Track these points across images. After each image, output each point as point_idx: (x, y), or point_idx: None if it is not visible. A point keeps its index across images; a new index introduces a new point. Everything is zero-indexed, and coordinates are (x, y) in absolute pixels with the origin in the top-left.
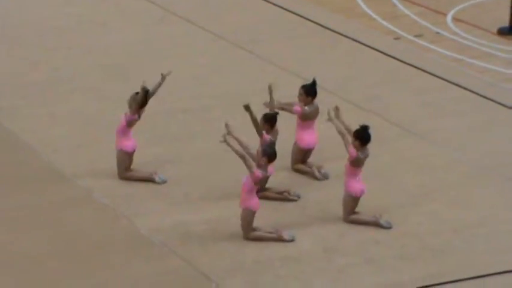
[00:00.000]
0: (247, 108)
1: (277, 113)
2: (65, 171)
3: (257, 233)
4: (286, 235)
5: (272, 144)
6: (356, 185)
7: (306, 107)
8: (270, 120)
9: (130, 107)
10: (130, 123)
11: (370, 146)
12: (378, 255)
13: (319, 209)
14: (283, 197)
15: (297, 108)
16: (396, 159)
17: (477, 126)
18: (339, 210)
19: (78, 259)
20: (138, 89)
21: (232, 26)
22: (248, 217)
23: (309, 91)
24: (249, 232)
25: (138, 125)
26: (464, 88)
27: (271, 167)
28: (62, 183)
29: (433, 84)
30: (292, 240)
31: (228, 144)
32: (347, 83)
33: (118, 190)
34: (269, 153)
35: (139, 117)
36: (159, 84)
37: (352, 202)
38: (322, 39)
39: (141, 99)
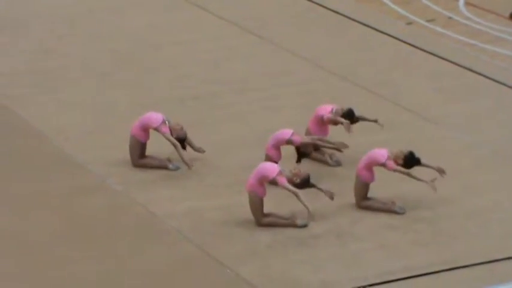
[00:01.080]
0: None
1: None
2: (77, 158)
3: (270, 219)
4: (299, 221)
5: (308, 178)
6: (367, 172)
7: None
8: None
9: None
10: (157, 129)
11: (382, 131)
12: (391, 241)
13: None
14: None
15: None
16: (408, 144)
17: (490, 110)
18: (351, 196)
19: (90, 245)
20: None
21: (242, 12)
22: (256, 202)
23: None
24: (261, 218)
25: (148, 111)
26: (477, 73)
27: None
28: (75, 170)
29: (445, 69)
30: (305, 226)
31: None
32: (358, 68)
33: (131, 177)
34: (303, 184)
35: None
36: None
37: (363, 188)
38: (333, 24)
39: (178, 140)
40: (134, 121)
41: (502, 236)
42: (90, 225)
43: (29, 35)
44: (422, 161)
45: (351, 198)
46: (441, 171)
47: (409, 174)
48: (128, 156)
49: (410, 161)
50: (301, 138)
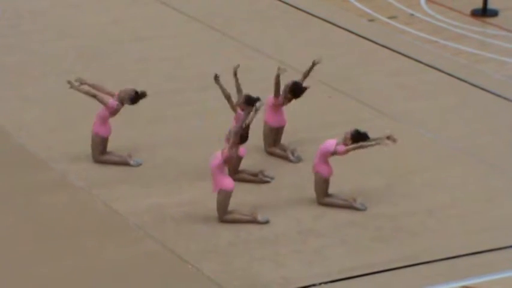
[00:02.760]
0: (216, 80)
1: (259, 98)
2: (39, 155)
3: (232, 216)
4: (260, 217)
5: (246, 127)
6: (324, 166)
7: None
8: (250, 102)
9: (121, 100)
10: (114, 112)
11: (344, 127)
12: (353, 237)
13: (294, 191)
14: (257, 178)
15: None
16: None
17: (451, 107)
18: (313, 192)
19: (52, 243)
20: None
21: (204, 8)
22: (224, 199)
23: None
24: (224, 215)
25: None
26: (438, 70)
27: (242, 148)
28: (36, 166)
29: (407, 66)
30: (266, 223)
31: None
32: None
33: (93, 173)
34: (242, 135)
35: (122, 105)
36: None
37: (323, 184)
38: (295, 20)
39: (134, 99)
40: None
41: (463, 233)
42: (52, 223)
43: None
44: (370, 135)
45: (313, 194)
46: (392, 139)
47: (361, 146)
48: (90, 152)
49: (357, 137)
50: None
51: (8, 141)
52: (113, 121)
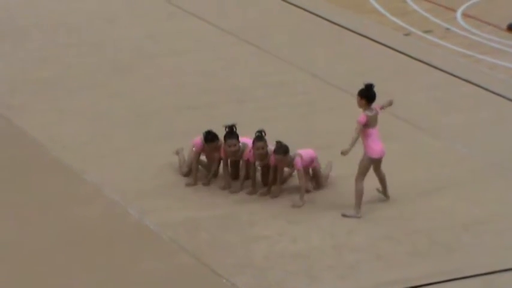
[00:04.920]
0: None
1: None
2: (74, 168)
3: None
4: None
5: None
6: (374, 146)
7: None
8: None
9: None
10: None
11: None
12: (388, 252)
13: (328, 205)
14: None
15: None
16: (405, 155)
17: (487, 122)
18: (347, 207)
19: (85, 255)
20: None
21: (240, 22)
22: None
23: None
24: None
25: (147, 121)
26: (474, 84)
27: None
28: (71, 179)
29: (442, 80)
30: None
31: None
32: (355, 79)
33: (127, 186)
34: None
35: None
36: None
37: (367, 162)
38: (331, 35)
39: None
40: (130, 130)
41: (499, 248)
42: (86, 235)
43: (28, 43)
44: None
45: (347, 207)
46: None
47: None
48: (124, 165)
49: (366, 92)
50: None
51: (42, 154)
52: (145, 134)
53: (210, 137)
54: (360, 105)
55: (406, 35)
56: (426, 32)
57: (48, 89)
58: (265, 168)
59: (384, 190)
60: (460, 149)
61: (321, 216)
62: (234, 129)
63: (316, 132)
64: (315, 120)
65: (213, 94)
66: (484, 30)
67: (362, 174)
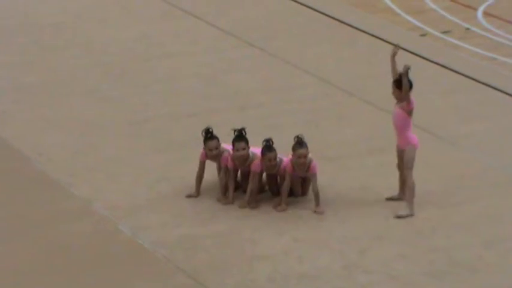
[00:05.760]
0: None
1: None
2: (61, 181)
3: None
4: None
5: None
6: (415, 136)
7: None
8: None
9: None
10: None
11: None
12: (403, 272)
13: (338, 222)
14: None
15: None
16: (422, 166)
17: (511, 130)
18: (359, 223)
19: (73, 276)
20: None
21: (241, 22)
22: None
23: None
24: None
25: (140, 130)
26: (497, 89)
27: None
28: (58, 193)
29: (462, 84)
30: None
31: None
32: (367, 83)
33: (119, 201)
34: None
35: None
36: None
37: (413, 153)
38: (340, 35)
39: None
40: (122, 140)
41: None
42: (75, 254)
43: (10, 45)
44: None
45: (358, 225)
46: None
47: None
48: (116, 178)
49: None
50: None
51: (27, 166)
52: (140, 144)
53: (208, 134)
54: (400, 96)
55: (423, 35)
56: (444, 32)
57: (32, 96)
58: (273, 178)
59: (402, 188)
60: (481, 160)
61: (330, 234)
62: (244, 133)
63: (325, 142)
64: (323, 129)
65: (213, 100)
66: (508, 30)
67: (411, 168)
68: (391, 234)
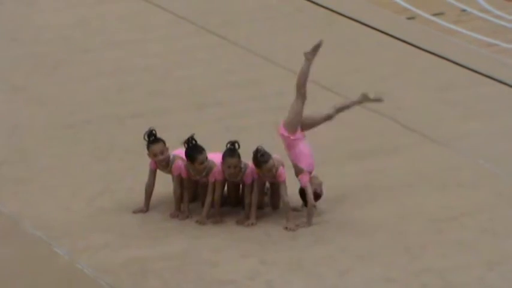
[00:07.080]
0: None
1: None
2: None
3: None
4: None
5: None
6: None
7: None
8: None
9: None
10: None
11: (378, 157)
12: None
13: (314, 240)
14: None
15: None
16: (413, 174)
17: None
18: (337, 238)
19: None
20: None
21: (198, 5)
22: None
23: None
24: None
25: (78, 135)
26: (499, 81)
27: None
28: None
29: (458, 76)
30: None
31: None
32: (347, 77)
33: (53, 218)
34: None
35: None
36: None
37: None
38: (314, 20)
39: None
40: (57, 146)
41: None
42: (1, 282)
43: None
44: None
45: (337, 241)
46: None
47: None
48: (48, 192)
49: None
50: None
51: None
52: (79, 150)
53: (152, 137)
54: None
55: (411, 18)
56: (436, 14)
57: None
58: (236, 187)
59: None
60: (482, 166)
61: (304, 254)
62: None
63: None
64: None
65: (164, 98)
66: (511, 11)
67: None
68: (376, 253)
